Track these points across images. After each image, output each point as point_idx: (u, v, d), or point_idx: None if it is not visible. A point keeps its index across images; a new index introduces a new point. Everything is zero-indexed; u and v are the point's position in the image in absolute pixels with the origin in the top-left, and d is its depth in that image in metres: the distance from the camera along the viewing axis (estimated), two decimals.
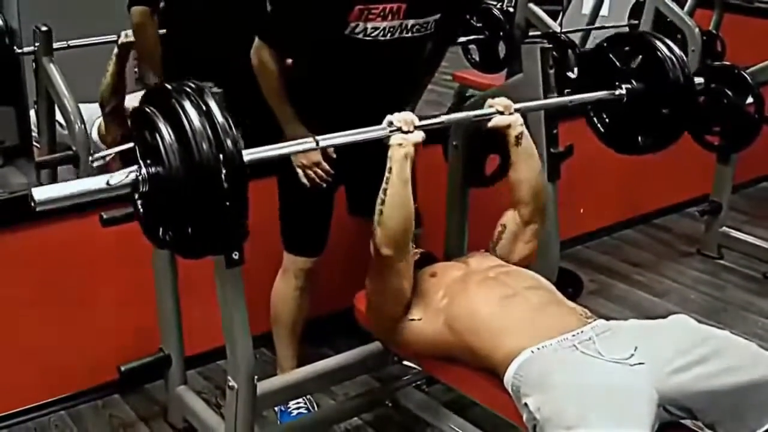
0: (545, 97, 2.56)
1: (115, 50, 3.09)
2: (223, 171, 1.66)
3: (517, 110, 2.29)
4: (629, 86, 2.49)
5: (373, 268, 2.17)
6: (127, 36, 3.02)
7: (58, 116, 3.02)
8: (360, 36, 2.27)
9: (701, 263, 4.07)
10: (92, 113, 3.10)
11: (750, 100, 3.55)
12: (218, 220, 1.71)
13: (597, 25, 5.06)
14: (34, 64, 2.99)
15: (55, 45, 2.96)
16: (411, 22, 2.32)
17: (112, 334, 2.83)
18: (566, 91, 2.68)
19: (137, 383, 2.88)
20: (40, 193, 1.62)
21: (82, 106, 2.91)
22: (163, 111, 1.70)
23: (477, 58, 4.19)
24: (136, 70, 3.41)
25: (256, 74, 2.36)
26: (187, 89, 1.72)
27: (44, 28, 2.92)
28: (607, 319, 2.08)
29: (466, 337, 2.07)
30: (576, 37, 4.56)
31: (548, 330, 1.98)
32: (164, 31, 2.97)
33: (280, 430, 2.68)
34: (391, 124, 2.05)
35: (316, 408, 2.76)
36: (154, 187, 1.70)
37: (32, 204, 1.62)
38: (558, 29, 4.25)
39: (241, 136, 2.11)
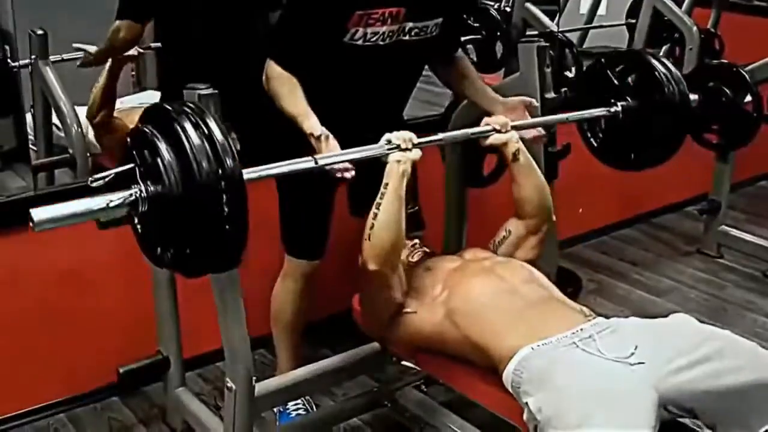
0: (542, 107, 2.58)
1: (107, 64, 3.08)
2: (223, 190, 1.65)
3: (514, 127, 2.29)
4: (624, 103, 2.49)
5: (362, 278, 2.15)
6: None
7: (55, 119, 3.02)
8: (359, 42, 2.25)
9: (701, 262, 4.06)
10: None
11: (748, 98, 3.55)
12: (218, 240, 1.70)
13: (595, 24, 5.06)
14: (30, 67, 2.98)
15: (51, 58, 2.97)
16: (410, 25, 2.31)
17: (110, 337, 2.82)
18: (563, 89, 2.67)
19: (136, 385, 2.88)
20: (39, 214, 1.61)
21: (78, 108, 2.91)
22: (162, 131, 1.69)
23: (474, 58, 4.17)
24: (133, 74, 3.41)
25: (268, 91, 2.33)
26: (187, 109, 1.71)
27: (40, 32, 2.91)
28: (607, 318, 2.07)
29: (467, 330, 2.06)
30: (574, 37, 4.55)
31: (548, 327, 1.97)
32: (159, 44, 2.97)
33: (279, 431, 2.67)
34: (389, 142, 2.08)
35: (314, 409, 2.76)
36: (153, 207, 1.69)
37: (31, 225, 1.60)
38: (555, 28, 4.25)
39: (237, 142, 2.13)
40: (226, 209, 1.66)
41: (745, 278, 3.89)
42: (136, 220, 1.73)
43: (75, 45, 2.98)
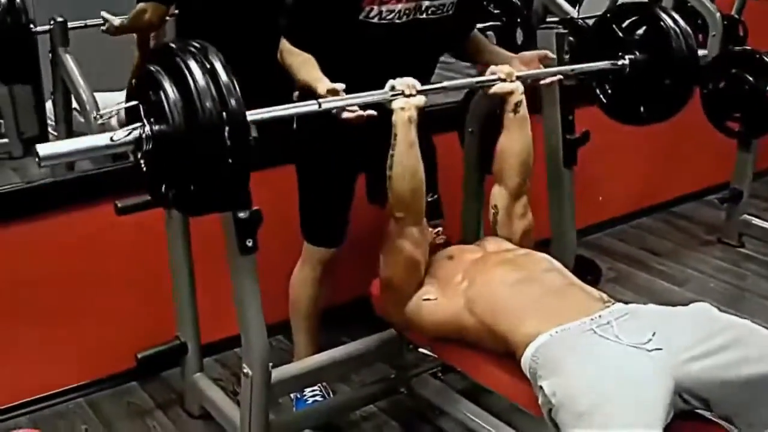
0: (561, 94, 2.59)
1: (136, 40, 3.10)
2: (227, 129, 1.68)
3: (518, 78, 2.32)
4: (632, 57, 2.50)
5: (386, 240, 2.20)
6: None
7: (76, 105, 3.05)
8: (375, 20, 2.26)
9: (721, 251, 4.03)
10: (107, 102, 3.11)
11: None
12: (220, 178, 1.74)
13: None
14: (50, 54, 3.01)
15: (73, 24, 2.99)
16: (426, 3, 2.30)
17: (129, 323, 2.84)
18: (581, 77, 2.65)
19: (154, 371, 2.90)
20: (44, 149, 1.64)
21: (97, 95, 2.93)
22: (167, 69, 1.72)
23: (494, 44, 4.15)
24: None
25: (282, 64, 2.34)
26: (192, 48, 1.74)
27: (60, 19, 2.94)
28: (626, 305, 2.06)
29: (486, 318, 2.06)
30: None
31: (567, 313, 1.96)
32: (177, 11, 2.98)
33: (295, 417, 2.68)
34: (393, 88, 2.11)
35: (331, 395, 2.76)
36: (157, 145, 1.72)
37: (37, 160, 1.63)
38: (576, 15, 4.21)
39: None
40: (228, 146, 1.69)
41: (766, 268, 3.85)
42: (141, 161, 1.75)
43: (102, 14, 3.01)
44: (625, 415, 1.68)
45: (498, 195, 2.38)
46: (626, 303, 2.07)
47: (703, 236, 4.18)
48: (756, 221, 4.02)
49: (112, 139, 1.69)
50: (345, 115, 2.08)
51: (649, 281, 3.73)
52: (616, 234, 4.17)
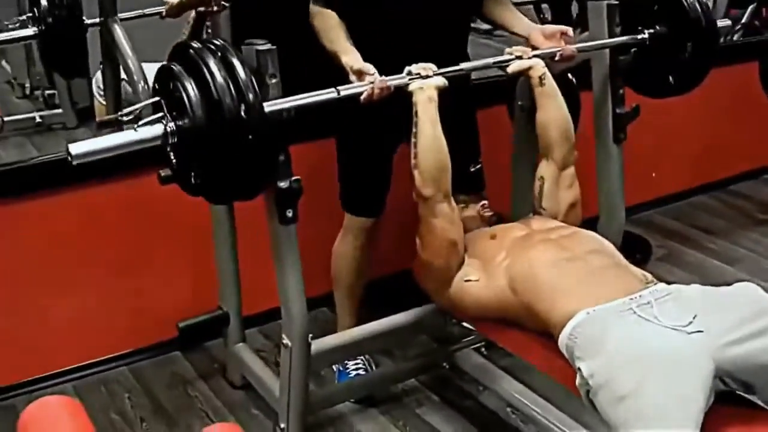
0: (611, 67, 2.54)
1: (191, 21, 3.11)
2: (245, 122, 1.74)
3: (536, 56, 2.33)
4: (652, 30, 2.50)
5: (419, 221, 2.20)
6: None
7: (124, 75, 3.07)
8: None
9: None
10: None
11: None
12: (243, 169, 1.80)
13: None
14: (99, 25, 3.03)
15: (129, 14, 3.07)
16: None
17: (173, 292, 2.86)
18: (633, 50, 2.58)
19: (196, 341, 2.91)
20: (77, 148, 1.71)
21: (145, 65, 2.94)
22: (186, 67, 1.77)
23: (549, 18, 4.09)
24: (209, 31, 3.41)
25: (315, 32, 2.32)
26: (211, 46, 1.79)
27: None
28: (668, 284, 2.00)
29: (526, 297, 2.04)
30: None
31: (606, 292, 1.93)
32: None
33: (336, 389, 2.68)
34: (410, 73, 2.14)
35: (374, 368, 2.76)
36: (182, 139, 1.77)
37: (69, 158, 1.71)
38: None
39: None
40: (249, 138, 1.75)
41: None
42: (171, 154, 1.81)
43: None
44: (667, 396, 1.64)
45: (545, 167, 2.38)
46: (676, 282, 2.02)
47: (759, 215, 4.07)
48: None
49: (136, 130, 1.75)
50: (363, 96, 2.10)
51: (701, 260, 3.65)
52: (668, 212, 4.09)
